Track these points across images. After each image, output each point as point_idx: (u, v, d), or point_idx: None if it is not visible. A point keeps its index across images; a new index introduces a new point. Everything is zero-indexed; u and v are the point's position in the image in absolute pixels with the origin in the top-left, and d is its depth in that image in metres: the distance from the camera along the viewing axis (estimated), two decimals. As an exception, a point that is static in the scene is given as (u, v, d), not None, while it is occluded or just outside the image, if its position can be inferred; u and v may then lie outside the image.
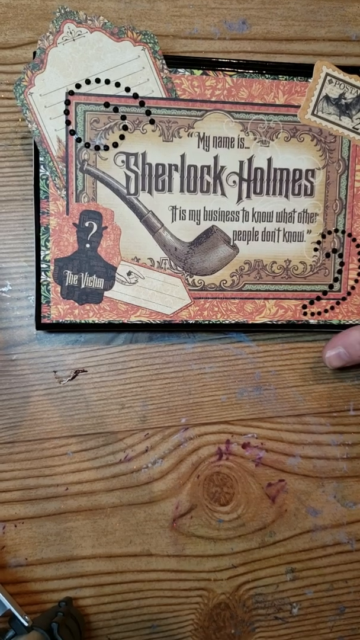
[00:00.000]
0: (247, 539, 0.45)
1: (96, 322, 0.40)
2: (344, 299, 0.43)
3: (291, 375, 0.44)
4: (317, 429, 0.45)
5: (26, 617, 0.37)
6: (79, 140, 0.38)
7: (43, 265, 0.39)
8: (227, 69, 0.39)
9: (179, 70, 0.39)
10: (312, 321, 0.42)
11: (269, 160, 0.41)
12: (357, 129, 0.41)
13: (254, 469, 0.44)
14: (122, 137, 0.39)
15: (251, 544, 0.45)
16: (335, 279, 0.42)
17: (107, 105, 0.38)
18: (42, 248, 0.39)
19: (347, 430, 0.45)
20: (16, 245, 0.41)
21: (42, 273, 0.39)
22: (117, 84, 0.38)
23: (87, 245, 0.39)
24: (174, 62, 0.39)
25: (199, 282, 0.41)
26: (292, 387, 0.44)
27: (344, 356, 0.41)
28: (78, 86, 0.38)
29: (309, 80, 0.40)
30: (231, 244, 0.41)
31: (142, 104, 0.38)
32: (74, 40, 0.37)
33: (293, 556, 0.45)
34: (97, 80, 0.38)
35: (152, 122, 0.39)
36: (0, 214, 0.40)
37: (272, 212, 0.41)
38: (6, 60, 0.40)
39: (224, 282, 0.41)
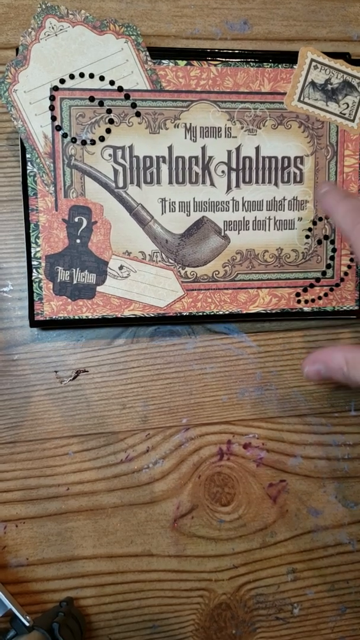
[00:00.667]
0: (248, 540, 0.45)
1: (90, 317, 0.40)
2: (337, 285, 0.43)
3: (292, 375, 0.44)
4: (318, 430, 0.45)
5: (27, 617, 0.37)
6: (65, 135, 0.38)
7: (34, 263, 0.39)
8: (211, 58, 0.39)
9: (163, 61, 0.38)
10: (306, 309, 0.42)
11: (257, 149, 0.40)
12: (345, 114, 0.41)
13: (255, 469, 0.44)
14: (108, 130, 0.39)
15: (252, 544, 0.45)
16: (328, 266, 0.42)
17: (92, 99, 0.38)
18: (33, 245, 0.39)
19: (349, 431, 0.45)
20: (18, 245, 0.41)
21: (34, 270, 0.39)
22: (102, 78, 0.38)
23: (78, 241, 0.39)
24: (158, 53, 0.38)
25: (192, 273, 0.41)
26: (294, 387, 0.44)
27: (324, 374, 0.39)
28: (62, 81, 0.37)
29: (294, 67, 0.40)
30: (222, 234, 0.41)
31: (127, 96, 0.38)
32: (56, 35, 0.37)
33: (294, 556, 0.45)
34: (81, 75, 0.37)
35: (137, 114, 0.39)
36: (2, 214, 0.40)
37: (262, 200, 0.41)
38: (7, 60, 0.40)
39: (217, 272, 0.41)
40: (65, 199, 0.39)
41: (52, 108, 0.38)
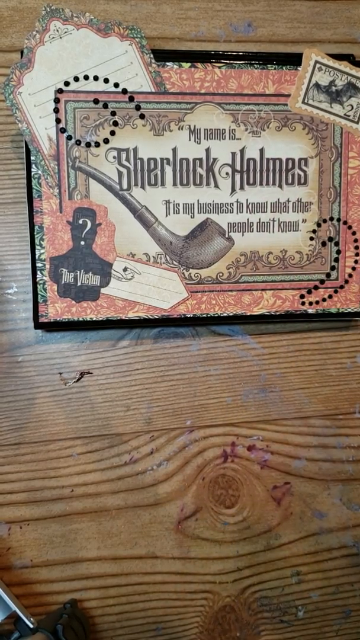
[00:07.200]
0: (253, 542, 0.45)
1: (94, 319, 0.40)
2: (341, 287, 0.42)
3: (296, 377, 0.44)
4: (322, 432, 0.45)
5: (31, 619, 0.37)
6: (69, 137, 0.38)
7: (39, 265, 0.39)
8: (215, 60, 0.39)
9: (167, 63, 0.38)
10: (310, 310, 0.42)
11: (261, 151, 0.40)
12: (349, 116, 0.40)
13: (259, 472, 0.44)
14: (112, 133, 0.39)
15: (256, 546, 0.45)
16: (332, 268, 0.42)
17: (96, 101, 0.38)
18: (37, 247, 0.39)
19: (353, 433, 0.45)
20: (22, 247, 0.41)
21: (38, 272, 0.39)
22: (106, 80, 0.38)
23: (82, 243, 0.39)
24: (162, 55, 0.38)
25: (196, 275, 0.41)
26: (298, 389, 0.44)
27: None
28: (67, 84, 0.38)
29: (299, 68, 0.40)
30: (226, 236, 0.41)
31: (131, 99, 0.38)
32: (60, 38, 0.37)
33: (298, 559, 0.45)
34: (86, 77, 0.38)
35: (142, 116, 0.39)
36: (7, 216, 0.41)
37: (267, 202, 0.41)
38: (12, 63, 0.40)
39: (221, 274, 0.41)
40: (69, 201, 0.39)
41: (56, 110, 0.38)
